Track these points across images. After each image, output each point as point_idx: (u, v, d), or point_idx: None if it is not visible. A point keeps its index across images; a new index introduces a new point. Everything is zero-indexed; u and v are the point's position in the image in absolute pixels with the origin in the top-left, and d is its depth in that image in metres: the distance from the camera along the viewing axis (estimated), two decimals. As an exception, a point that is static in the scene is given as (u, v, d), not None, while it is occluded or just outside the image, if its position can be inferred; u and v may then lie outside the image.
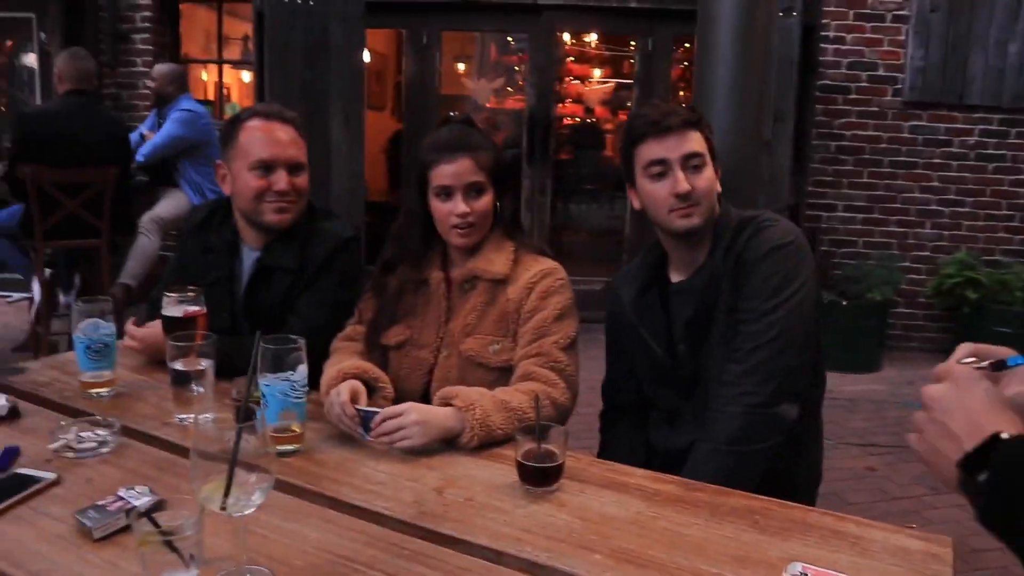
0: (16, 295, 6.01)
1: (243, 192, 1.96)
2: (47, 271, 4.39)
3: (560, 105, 7.39)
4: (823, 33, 5.26)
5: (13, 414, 1.63)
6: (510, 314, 1.76)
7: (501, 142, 7.79)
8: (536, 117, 6.02)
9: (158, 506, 1.17)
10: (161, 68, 5.05)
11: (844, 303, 4.93)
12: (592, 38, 7.52)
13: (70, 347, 2.01)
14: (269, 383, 1.46)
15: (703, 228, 1.70)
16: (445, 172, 1.74)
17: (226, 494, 1.00)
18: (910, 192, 5.43)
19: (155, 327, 1.93)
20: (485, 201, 1.76)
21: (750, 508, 1.30)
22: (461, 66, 8.27)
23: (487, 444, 1.52)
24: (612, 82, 7.59)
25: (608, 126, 7.53)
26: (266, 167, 1.93)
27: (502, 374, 1.75)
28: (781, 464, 1.65)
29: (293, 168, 1.96)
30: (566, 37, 7.34)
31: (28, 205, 4.01)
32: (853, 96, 5.37)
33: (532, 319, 1.73)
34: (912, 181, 5.42)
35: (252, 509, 1.04)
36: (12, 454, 1.44)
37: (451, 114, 1.87)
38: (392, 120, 8.11)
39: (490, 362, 1.75)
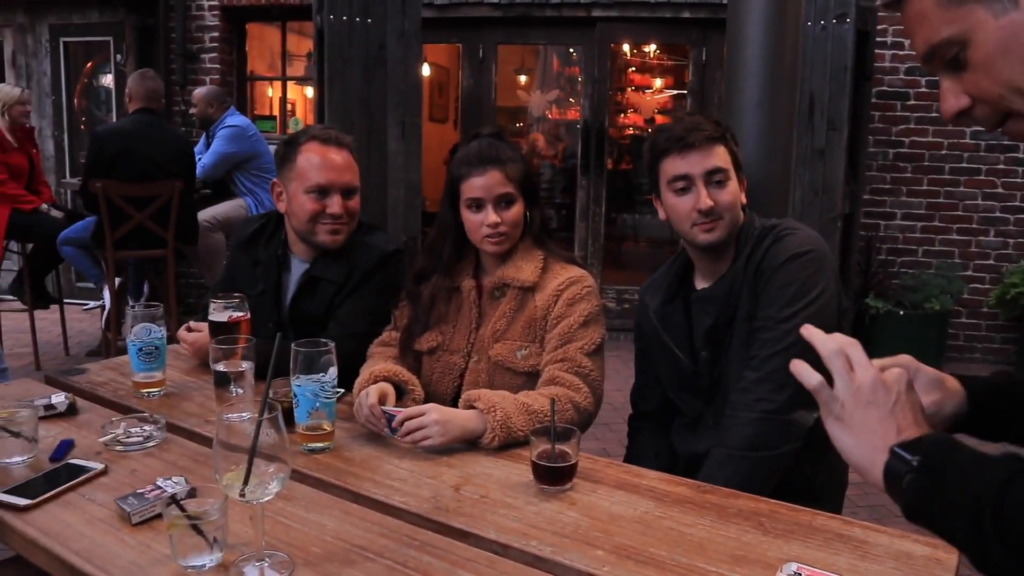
0: (92, 303, 6.32)
1: (298, 213, 2.06)
2: (117, 280, 4.62)
3: (620, 116, 7.43)
4: (880, 39, 5.18)
5: (71, 410, 1.75)
6: (538, 320, 1.82)
7: (562, 153, 7.87)
8: (591, 128, 6.07)
9: (190, 494, 1.26)
10: (199, 92, 5.28)
11: (902, 313, 4.83)
12: (651, 48, 7.54)
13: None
14: (301, 384, 1.54)
15: (725, 241, 1.73)
16: (476, 184, 1.81)
17: (245, 482, 1.08)
18: (973, 199, 5.29)
19: (204, 332, 2.04)
20: (515, 211, 1.82)
21: (757, 510, 1.32)
22: (522, 78, 8.38)
23: (508, 445, 1.57)
24: (668, 93, 7.59)
25: (666, 136, 7.50)
26: (322, 191, 2.02)
27: (530, 378, 1.81)
28: (802, 469, 1.66)
29: (347, 192, 2.05)
30: (625, 48, 7.38)
31: (100, 218, 4.24)
32: (912, 102, 5.28)
33: (558, 325, 1.79)
34: (975, 187, 5.28)
35: (269, 497, 1.12)
36: (67, 446, 1.56)
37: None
38: (454, 132, 8.27)
39: (518, 367, 1.81)
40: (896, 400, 0.92)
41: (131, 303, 5.02)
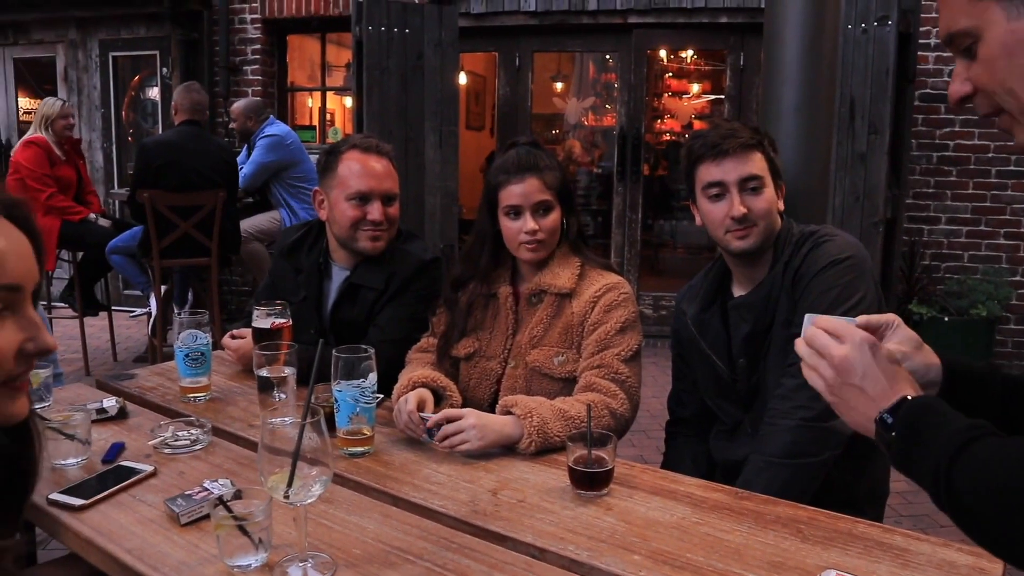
0: (138, 311, 6.47)
1: (340, 220, 2.09)
2: (163, 287, 4.73)
3: (656, 122, 7.41)
4: (922, 41, 5.10)
5: (122, 414, 1.81)
6: (574, 327, 1.83)
7: (598, 159, 7.87)
8: (627, 134, 6.07)
9: (236, 496, 1.29)
10: (237, 106, 5.39)
11: (946, 319, 4.75)
12: (687, 54, 7.52)
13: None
14: (342, 389, 1.58)
15: (760, 248, 1.73)
16: (514, 192, 1.83)
17: (289, 484, 1.11)
18: (1021, 203, 5.18)
19: (248, 338, 2.09)
20: (552, 218, 1.84)
21: (796, 517, 1.32)
22: (558, 85, 8.41)
23: (545, 450, 1.59)
24: (705, 98, 7.55)
25: (704, 141, 7.46)
26: (363, 198, 2.06)
27: (566, 384, 1.82)
28: (842, 477, 1.65)
29: (387, 199, 2.09)
30: (662, 53, 7.37)
31: (147, 227, 4.35)
32: (956, 105, 5.18)
33: (595, 332, 1.80)
34: (1023, 191, 5.17)
35: (312, 499, 1.15)
36: (118, 449, 1.61)
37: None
38: (491, 139, 8.32)
39: (555, 373, 1.82)
40: (864, 373, 0.99)
41: (176, 310, 5.15)
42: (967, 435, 0.89)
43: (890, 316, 1.12)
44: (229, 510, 1.12)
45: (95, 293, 5.29)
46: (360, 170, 2.07)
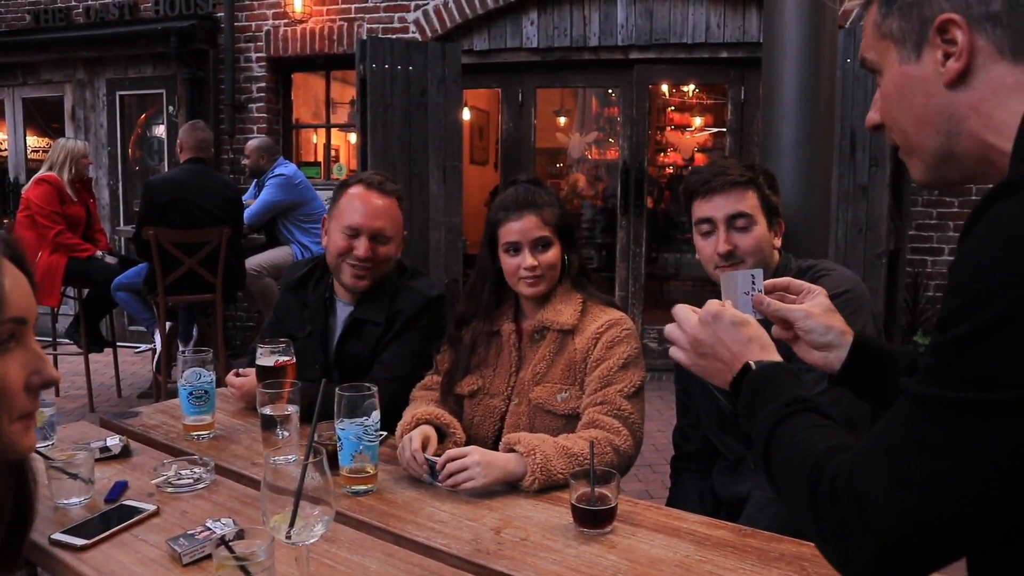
0: (143, 347, 6.48)
1: (330, 249, 2.13)
2: (168, 324, 4.74)
3: (659, 155, 7.47)
4: (921, 75, 5.15)
5: (125, 452, 1.81)
6: (577, 363, 1.84)
7: (602, 193, 7.92)
8: (630, 168, 6.11)
9: (238, 535, 1.29)
10: (251, 144, 5.48)
11: (951, 351, 4.72)
12: (689, 88, 7.59)
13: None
14: (345, 427, 1.58)
15: None
16: (512, 229, 1.85)
17: (291, 524, 1.11)
18: (1023, 234, 5.19)
19: (251, 376, 2.10)
20: (551, 254, 1.86)
21: (799, 555, 1.31)
22: (562, 120, 8.49)
23: (548, 488, 1.58)
24: (708, 131, 7.61)
25: (707, 175, 7.50)
26: (353, 232, 2.08)
27: (570, 421, 1.82)
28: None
29: (376, 237, 2.08)
30: (663, 88, 7.44)
31: (152, 264, 4.38)
32: (956, 137, 5.21)
33: (598, 368, 1.80)
34: (1024, 223, 5.18)
35: (314, 539, 1.15)
36: (121, 488, 1.61)
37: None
38: (495, 174, 8.38)
39: (558, 409, 1.82)
40: (713, 343, 1.09)
41: (181, 347, 5.16)
42: (783, 411, 0.96)
43: (809, 285, 1.25)
44: (231, 550, 1.11)
45: (100, 330, 5.31)
46: (358, 206, 2.09)
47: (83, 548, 1.35)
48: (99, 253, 5.06)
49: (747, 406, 1.03)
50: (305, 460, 1.12)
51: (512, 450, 1.63)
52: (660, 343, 6.07)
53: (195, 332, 5.15)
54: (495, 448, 1.71)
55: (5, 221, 6.05)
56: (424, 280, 2.26)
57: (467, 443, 1.83)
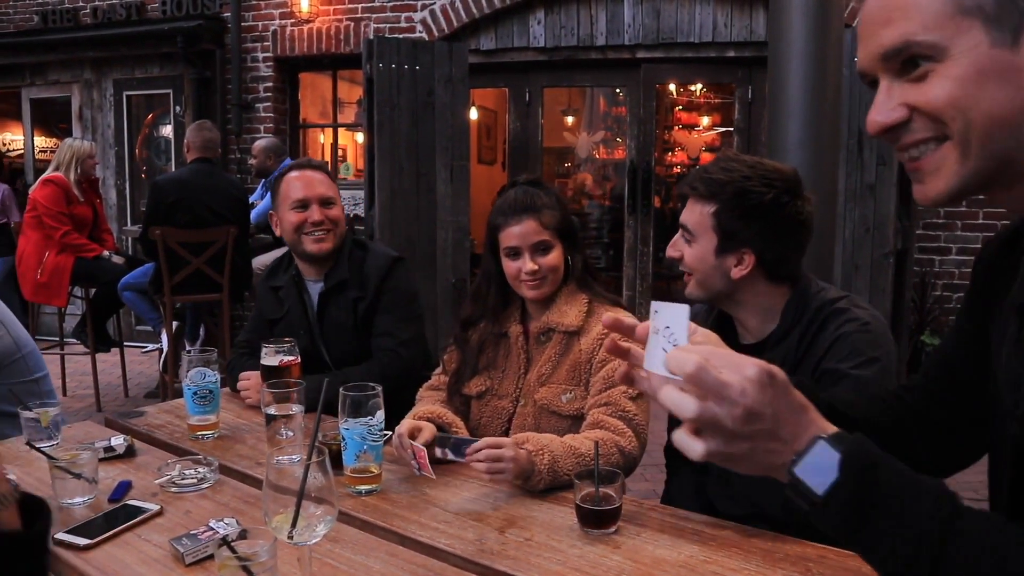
0: (150, 346, 6.51)
1: (286, 228, 2.32)
2: (174, 324, 4.75)
3: (667, 154, 7.45)
4: (929, 73, 5.12)
5: (129, 452, 1.81)
6: (582, 364, 1.83)
7: (609, 192, 7.91)
8: (637, 167, 6.09)
9: (241, 535, 1.29)
10: (258, 144, 5.49)
11: (960, 351, 4.69)
12: (696, 87, 7.57)
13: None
14: (349, 427, 1.57)
15: (707, 300, 1.71)
16: (512, 233, 1.84)
17: (293, 524, 1.10)
18: (1032, 234, 5.16)
19: (256, 377, 2.10)
20: (552, 257, 1.85)
21: (804, 555, 1.30)
22: (569, 119, 8.48)
23: (553, 488, 1.57)
24: (715, 131, 7.59)
25: (715, 174, 7.49)
26: (302, 204, 2.29)
27: (575, 422, 1.81)
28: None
29: (324, 202, 2.31)
30: (671, 87, 7.42)
31: (158, 264, 4.38)
32: (965, 136, 5.18)
33: (603, 369, 1.79)
34: (1034, 222, 5.15)
35: (317, 539, 1.14)
36: (125, 487, 1.61)
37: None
38: (502, 173, 8.38)
39: (562, 410, 1.82)
40: (775, 414, 0.75)
41: (188, 347, 5.17)
42: (944, 521, 0.73)
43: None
44: (233, 550, 1.11)
45: (107, 329, 5.32)
46: (297, 183, 2.32)
47: (86, 548, 1.35)
48: (106, 253, 5.07)
49: (860, 496, 0.74)
50: (307, 460, 1.12)
51: (521, 448, 1.62)
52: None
53: (202, 332, 5.17)
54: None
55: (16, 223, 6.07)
56: (379, 244, 2.56)
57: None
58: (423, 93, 5.31)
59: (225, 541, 1.10)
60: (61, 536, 1.37)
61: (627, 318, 0.96)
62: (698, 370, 0.73)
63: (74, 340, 5.41)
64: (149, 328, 5.56)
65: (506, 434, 1.89)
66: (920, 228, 5.21)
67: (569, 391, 1.82)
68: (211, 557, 1.28)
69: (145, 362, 6.30)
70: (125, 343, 5.71)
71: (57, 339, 5.54)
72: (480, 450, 1.54)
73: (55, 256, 4.87)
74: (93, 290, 5.13)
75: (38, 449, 1.57)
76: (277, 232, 2.38)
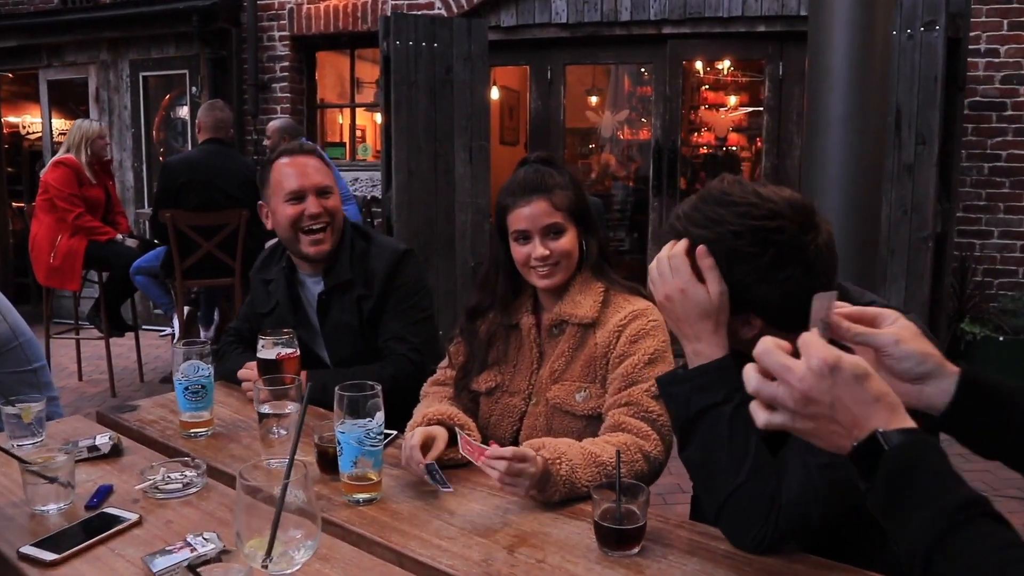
0: (168, 330, 6.43)
1: (281, 223, 2.11)
2: (187, 308, 4.65)
3: (693, 135, 7.23)
4: (972, 47, 4.87)
5: (115, 452, 1.68)
6: (598, 359, 1.67)
7: (634, 174, 7.71)
8: (663, 148, 5.90)
9: (219, 556, 1.16)
10: (273, 124, 5.33)
11: (1001, 339, 4.49)
12: (724, 65, 7.34)
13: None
14: (345, 430, 1.43)
15: None
16: (521, 216, 1.69)
17: (268, 551, 0.97)
18: (1080, 216, 4.92)
19: (254, 369, 1.97)
20: (564, 241, 1.69)
21: (855, 584, 1.15)
22: (593, 99, 8.27)
23: (571, 499, 1.43)
24: (743, 110, 7.36)
25: (744, 154, 7.29)
26: (297, 196, 2.08)
27: (590, 422, 1.66)
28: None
29: (321, 192, 2.10)
30: (698, 65, 7.19)
31: (169, 247, 4.28)
32: (1009, 112, 4.94)
33: (621, 365, 1.63)
34: (1081, 204, 4.90)
35: (296, 567, 1.00)
36: (104, 492, 1.48)
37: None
38: (525, 154, 8.19)
39: (576, 410, 1.67)
40: (832, 402, 0.84)
41: (203, 332, 5.08)
42: (956, 516, 0.79)
43: (877, 308, 1.03)
44: (200, 578, 0.98)
45: (121, 314, 5.24)
46: (290, 171, 2.10)
47: (52, 564, 1.22)
48: (119, 236, 4.98)
49: (890, 496, 0.82)
50: (285, 480, 0.97)
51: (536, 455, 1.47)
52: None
53: (216, 316, 5.07)
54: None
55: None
56: (386, 237, 2.30)
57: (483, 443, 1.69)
58: (441, 71, 5.15)
59: (190, 567, 0.97)
60: (26, 550, 1.25)
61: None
62: (763, 352, 0.87)
63: (88, 324, 5.33)
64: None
65: (517, 434, 1.74)
66: (960, 210, 4.98)
67: (584, 389, 1.67)
68: (185, 579, 1.15)
69: (162, 346, 6.22)
70: (143, 327, 5.63)
71: (72, 323, 5.47)
72: (503, 458, 1.37)
73: (68, 239, 4.79)
74: (107, 274, 5.04)
75: (6, 451, 1.45)
76: (268, 225, 2.18)
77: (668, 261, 1.29)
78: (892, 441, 0.82)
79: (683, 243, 1.28)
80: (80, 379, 5.44)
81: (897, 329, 0.98)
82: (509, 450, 1.38)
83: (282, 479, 0.99)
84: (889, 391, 0.85)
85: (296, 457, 1.56)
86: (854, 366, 0.83)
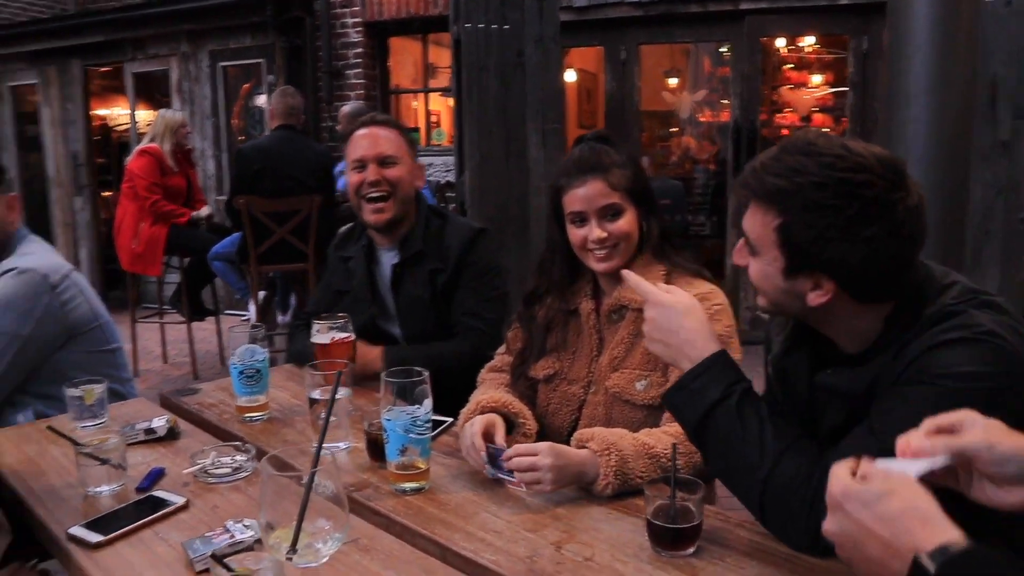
0: (247, 314, 6.58)
1: (350, 192, 2.16)
2: (263, 293, 4.73)
3: (775, 115, 6.98)
4: (1080, 14, 4.52)
5: (171, 435, 1.69)
6: None
7: (714, 156, 7.51)
8: (741, 128, 5.70)
9: (254, 545, 1.13)
10: (344, 110, 5.36)
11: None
12: (805, 42, 7.05)
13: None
14: (391, 417, 1.39)
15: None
16: (576, 197, 1.61)
17: (294, 543, 0.93)
18: None
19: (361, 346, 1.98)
20: (623, 222, 1.61)
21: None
22: (673, 80, 8.07)
23: (624, 492, 1.35)
24: (827, 89, 7.05)
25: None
26: (360, 164, 2.12)
27: (651, 413, 1.58)
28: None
29: (383, 161, 2.11)
30: (778, 43, 6.93)
31: (244, 233, 4.35)
32: (1121, 85, 4.57)
33: (685, 351, 1.54)
34: None
35: (323, 560, 0.97)
36: (156, 475, 1.49)
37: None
38: (602, 138, 8.05)
39: (636, 399, 1.59)
40: (857, 534, 0.81)
41: (280, 316, 5.16)
42: None
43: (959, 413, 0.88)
44: (228, 568, 0.95)
45: (202, 299, 5.37)
46: (360, 141, 2.14)
47: (97, 545, 1.22)
48: (202, 212, 5.10)
49: None
50: (312, 468, 0.93)
51: (584, 447, 1.40)
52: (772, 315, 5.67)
53: (292, 301, 5.15)
54: (570, 440, 1.48)
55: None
56: (461, 218, 2.35)
57: (540, 433, 1.63)
58: (513, 54, 5.06)
59: (215, 557, 0.94)
60: (74, 531, 1.26)
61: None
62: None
63: (171, 308, 5.49)
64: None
65: (575, 423, 1.67)
66: (1065, 190, 4.64)
67: (644, 377, 1.59)
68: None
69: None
70: (225, 311, 5.77)
71: (156, 307, 5.64)
72: (510, 458, 1.35)
73: (150, 226, 4.92)
74: (187, 260, 5.18)
75: (60, 433, 1.46)
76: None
77: None
78: (939, 565, 0.74)
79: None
80: (165, 362, 5.62)
81: (984, 432, 0.85)
82: (512, 449, 1.37)
83: (309, 468, 0.95)
84: (916, 501, 0.79)
85: (338, 444, 1.55)
86: (860, 491, 0.81)
